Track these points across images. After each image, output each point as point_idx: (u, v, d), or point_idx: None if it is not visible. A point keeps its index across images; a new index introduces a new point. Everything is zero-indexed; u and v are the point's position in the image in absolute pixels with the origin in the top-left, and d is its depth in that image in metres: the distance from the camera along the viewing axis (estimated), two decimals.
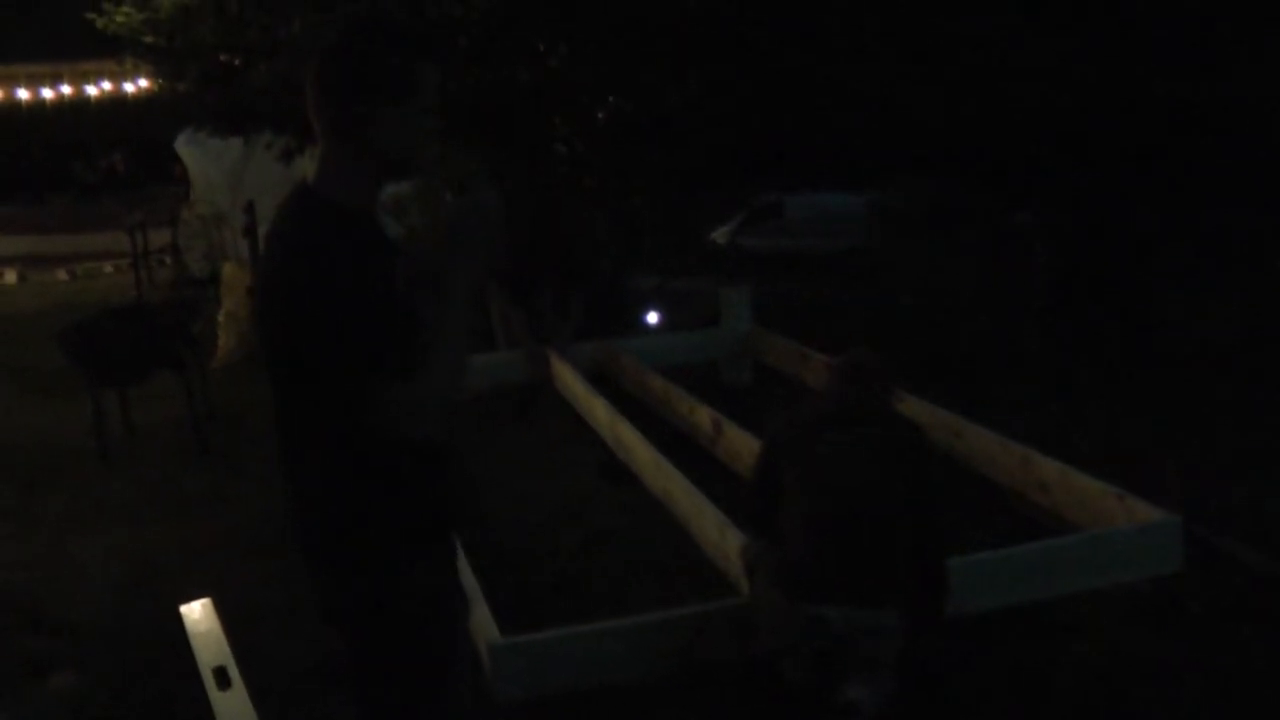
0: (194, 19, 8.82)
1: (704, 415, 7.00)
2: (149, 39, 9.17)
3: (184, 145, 13.86)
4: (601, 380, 7.88)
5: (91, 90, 19.30)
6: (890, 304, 10.72)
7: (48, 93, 19.47)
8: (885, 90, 10.57)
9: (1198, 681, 4.27)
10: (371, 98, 2.38)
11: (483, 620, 4.57)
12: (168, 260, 15.19)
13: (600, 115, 9.53)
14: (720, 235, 17.25)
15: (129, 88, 18.62)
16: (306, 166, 10.12)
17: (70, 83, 19.39)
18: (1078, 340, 8.85)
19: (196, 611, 4.92)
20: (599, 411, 7.05)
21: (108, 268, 17.51)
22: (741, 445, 6.53)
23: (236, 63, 8.89)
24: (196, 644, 4.66)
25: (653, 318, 9.38)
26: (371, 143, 2.43)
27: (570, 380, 7.66)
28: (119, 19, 9.34)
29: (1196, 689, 4.23)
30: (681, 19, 8.63)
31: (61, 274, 17.38)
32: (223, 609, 4.95)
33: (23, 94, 19.51)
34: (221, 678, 4.39)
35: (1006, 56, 10.06)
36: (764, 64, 9.47)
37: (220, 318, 10.04)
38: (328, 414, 2.45)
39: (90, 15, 9.57)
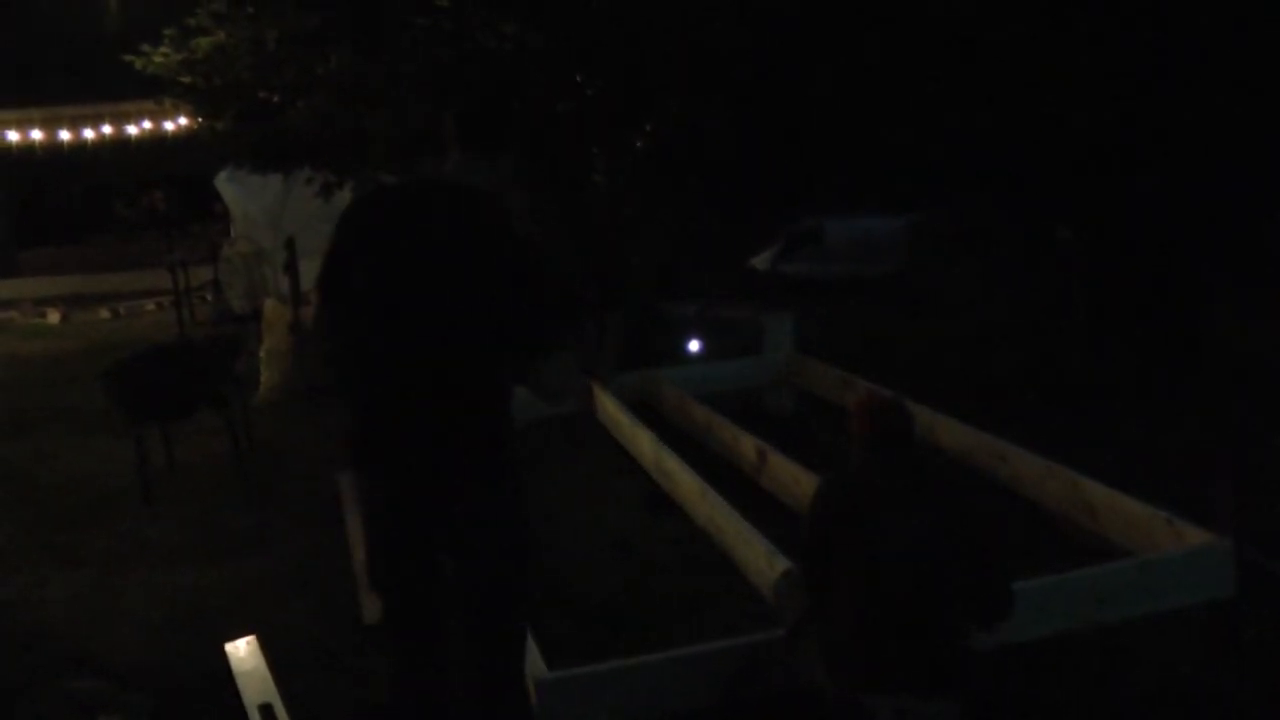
0: (231, 58, 8.88)
1: (748, 444, 6.94)
2: (187, 79, 9.24)
3: (224, 182, 13.95)
4: (643, 409, 7.84)
5: (132, 130, 19.50)
6: (931, 328, 10.63)
7: (89, 133, 19.69)
8: (922, 111, 10.53)
9: (1252, 707, 4.18)
10: None
11: (530, 654, 4.52)
12: (208, 297, 15.27)
13: (638, 144, 9.52)
14: (759, 262, 17.12)
15: (168, 127, 18.83)
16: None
17: (111, 123, 19.60)
18: (1120, 359, 8.74)
19: (241, 650, 4.90)
20: (643, 442, 7.00)
21: (149, 306, 17.65)
22: (786, 474, 6.47)
23: (275, 100, 8.93)
24: (242, 682, 4.64)
25: (694, 346, 9.32)
26: None
27: (613, 410, 7.62)
28: (157, 60, 9.42)
29: (1251, 715, 4.13)
30: (717, 45, 8.62)
31: (104, 313, 17.52)
32: (268, 647, 4.94)
33: (64, 135, 19.74)
34: (267, 716, 4.36)
35: (1044, 72, 10.01)
36: (799, 88, 9.46)
37: (262, 354, 10.07)
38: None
39: (129, 57, 9.66)
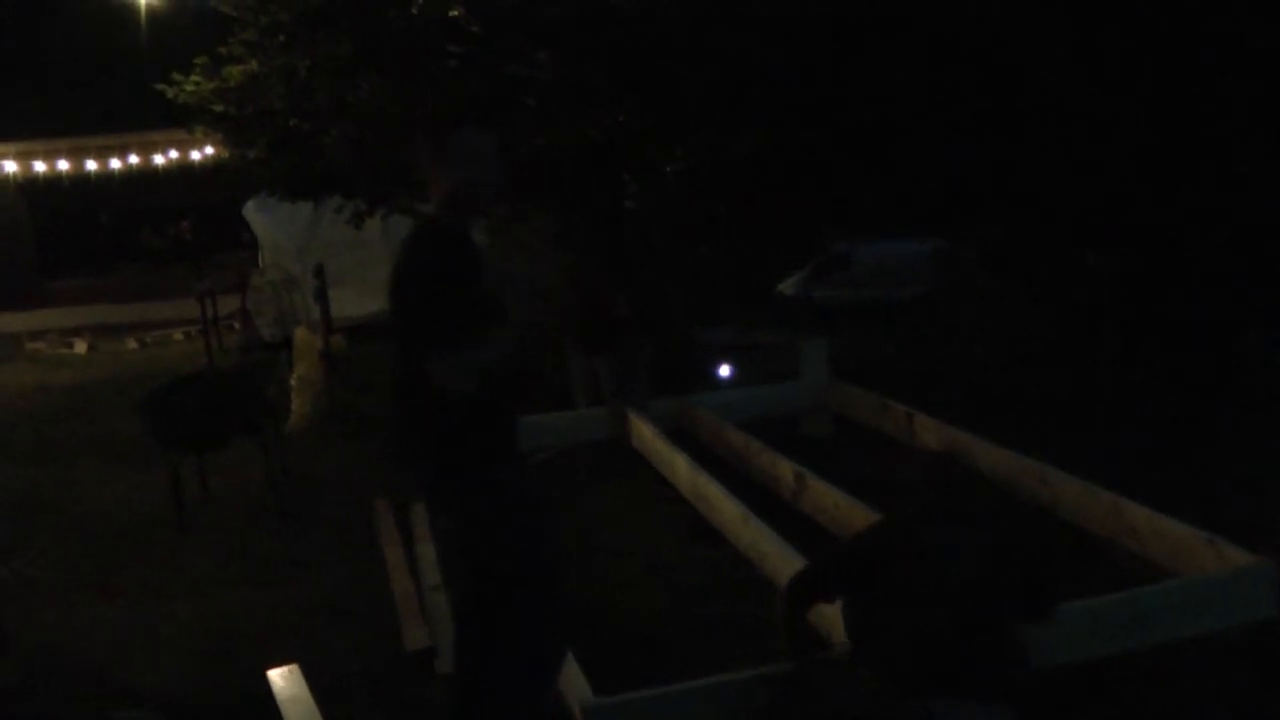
0: (263, 86, 8.91)
1: (786, 468, 6.88)
2: (219, 108, 9.28)
3: (253, 211, 14.02)
4: (678, 436, 7.79)
5: (159, 159, 19.62)
6: (960, 352, 10.57)
7: (116, 163, 19.81)
8: (954, 137, 10.49)
9: None
10: None
11: (574, 679, 4.49)
12: (236, 326, 15.32)
13: (668, 170, 9.52)
14: (788, 287, 17.14)
15: (196, 156, 18.93)
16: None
17: (138, 153, 19.72)
18: (1151, 384, 8.66)
19: (284, 678, 4.86)
20: (680, 468, 6.94)
21: (177, 335, 17.72)
22: (825, 498, 6.41)
23: (306, 128, 8.95)
24: (285, 711, 4.60)
25: (725, 371, 9.29)
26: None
27: (649, 436, 7.57)
28: (188, 89, 9.46)
29: None
30: (748, 71, 8.61)
31: (131, 342, 17.59)
32: (309, 676, 4.90)
33: (91, 165, 19.87)
34: None
35: (1072, 98, 9.97)
36: (830, 113, 9.43)
37: (293, 382, 10.08)
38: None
39: (160, 86, 9.71)
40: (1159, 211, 9.80)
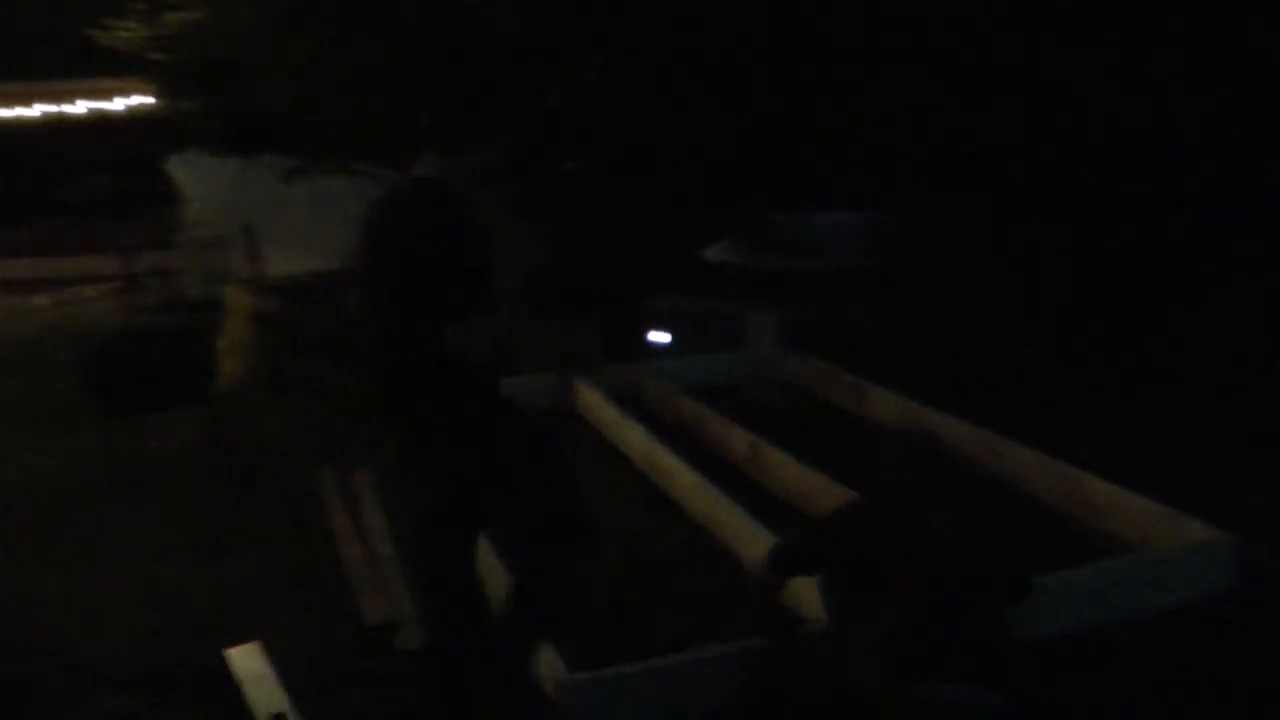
0: (202, 35, 8.60)
1: (739, 437, 6.87)
2: (155, 56, 8.95)
3: (177, 166, 13.58)
4: (626, 404, 7.72)
5: (75, 109, 18.97)
6: (896, 323, 10.54)
7: (28, 112, 19.14)
8: (894, 110, 10.49)
9: (1255, 701, 4.19)
10: None
11: (547, 656, 4.43)
12: (153, 283, 14.85)
13: (612, 137, 9.41)
14: (713, 253, 17.04)
15: (115, 106, 18.33)
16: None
17: (53, 101, 19.06)
18: (1088, 357, 8.72)
19: (245, 656, 4.72)
20: (634, 436, 6.90)
21: (91, 291, 17.15)
22: (779, 467, 6.42)
23: (245, 82, 8.67)
24: (249, 691, 4.47)
25: (661, 337, 9.17)
26: None
27: (598, 404, 7.50)
28: (123, 34, 9.11)
29: (1254, 709, 4.15)
30: (688, 42, 8.53)
31: (41, 299, 17.02)
32: (270, 652, 4.77)
33: (1, 113, 19.17)
34: None
35: (1012, 71, 10.00)
36: (764, 86, 9.39)
37: (224, 344, 9.81)
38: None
39: (93, 31, 9.34)
40: (1095, 184, 9.89)
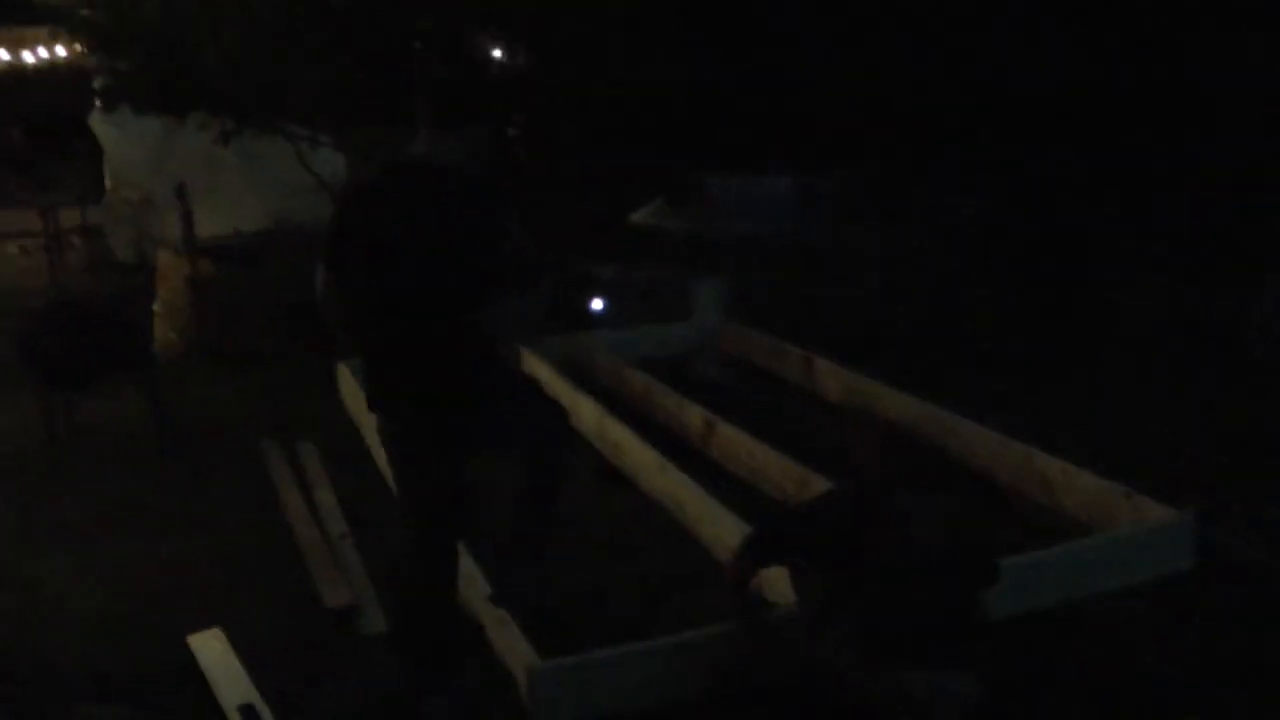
0: None
1: (694, 413, 6.84)
2: (86, 12, 8.64)
3: (100, 122, 13.16)
4: (571, 375, 7.64)
5: None
6: (844, 294, 10.52)
7: None
8: (824, 71, 10.48)
9: (1210, 680, 4.27)
10: None
11: (515, 642, 4.40)
12: (77, 242, 14.42)
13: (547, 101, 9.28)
14: (640, 217, 16.91)
15: (29, 59, 17.68)
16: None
17: None
18: (1025, 328, 8.78)
19: (208, 643, 4.61)
20: (586, 410, 6.83)
21: (13, 248, 16.59)
22: (736, 444, 6.40)
23: (181, 42, 8.38)
24: (214, 680, 4.36)
25: (597, 305, 9.07)
26: None
27: (546, 376, 7.42)
28: None
29: (1210, 688, 4.22)
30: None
31: None
32: (232, 639, 4.66)
33: None
34: (250, 718, 4.12)
35: (949, 38, 10.03)
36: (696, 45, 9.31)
37: (157, 308, 9.55)
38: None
39: None
40: (1032, 154, 9.96)
